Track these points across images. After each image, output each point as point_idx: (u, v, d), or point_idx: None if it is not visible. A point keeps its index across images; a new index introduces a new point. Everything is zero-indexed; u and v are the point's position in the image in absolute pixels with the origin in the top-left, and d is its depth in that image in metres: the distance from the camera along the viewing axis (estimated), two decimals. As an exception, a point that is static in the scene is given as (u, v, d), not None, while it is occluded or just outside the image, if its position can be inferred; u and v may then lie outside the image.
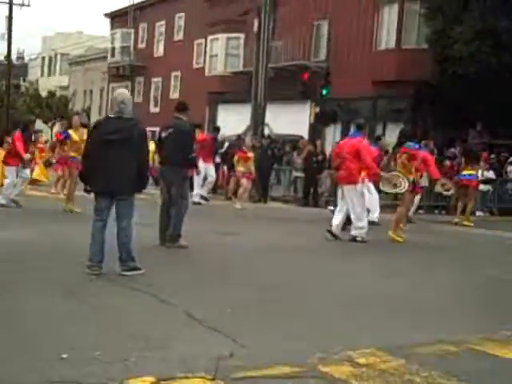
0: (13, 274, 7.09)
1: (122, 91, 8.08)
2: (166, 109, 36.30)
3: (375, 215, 13.87)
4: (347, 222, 11.82)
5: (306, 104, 26.49)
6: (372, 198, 13.66)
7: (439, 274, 8.79)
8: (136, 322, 5.61)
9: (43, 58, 59.27)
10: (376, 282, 7.94)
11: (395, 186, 12.03)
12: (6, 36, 37.54)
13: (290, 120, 26.07)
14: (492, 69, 18.67)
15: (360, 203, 11.56)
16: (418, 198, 14.88)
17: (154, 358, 4.60)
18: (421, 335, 5.48)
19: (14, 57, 52.85)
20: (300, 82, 25.39)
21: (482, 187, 18.04)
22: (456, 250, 11.69)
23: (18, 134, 14.33)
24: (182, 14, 36.54)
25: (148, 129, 8.86)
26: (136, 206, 7.62)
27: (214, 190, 20.47)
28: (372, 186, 13.52)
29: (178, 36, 36.96)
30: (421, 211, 19.30)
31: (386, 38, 24.01)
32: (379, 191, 13.54)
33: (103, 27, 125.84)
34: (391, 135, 23.71)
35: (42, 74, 59.16)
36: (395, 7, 23.55)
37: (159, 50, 38.87)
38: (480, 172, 17.39)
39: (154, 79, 38.89)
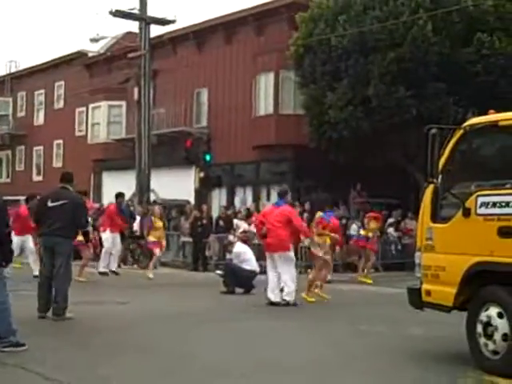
0: None
1: None
2: (50, 177, 35.82)
3: None
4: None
5: (191, 169, 26.98)
6: None
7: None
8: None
9: None
10: (261, 346, 8.29)
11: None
12: None
13: (175, 185, 26.41)
14: (365, 132, 19.85)
15: (291, 269, 12.19)
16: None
17: None
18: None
19: None
20: (183, 148, 25.90)
21: None
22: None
23: None
24: (62, 83, 36.45)
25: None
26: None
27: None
28: None
29: (59, 104, 36.74)
30: (309, 270, 20.03)
31: (265, 104, 24.99)
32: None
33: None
34: (275, 198, 24.55)
35: None
36: (271, 75, 24.62)
37: (39, 118, 38.45)
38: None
39: (36, 148, 38.32)
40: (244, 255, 14.84)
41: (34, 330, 8.60)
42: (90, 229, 12.35)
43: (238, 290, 14.34)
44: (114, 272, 17.07)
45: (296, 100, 23.51)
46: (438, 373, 6.93)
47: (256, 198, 25.19)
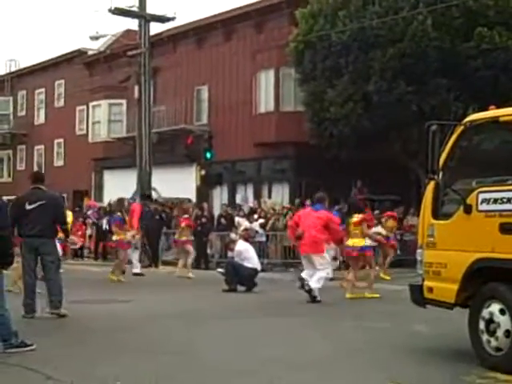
0: None
1: None
2: (51, 176, 35.84)
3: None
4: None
5: (192, 167, 26.99)
6: None
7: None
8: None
9: None
10: (263, 345, 8.29)
11: None
12: None
13: (176, 183, 26.41)
14: (365, 128, 19.82)
15: (325, 270, 12.60)
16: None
17: None
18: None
19: None
20: (184, 145, 25.89)
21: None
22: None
23: None
24: (62, 81, 36.44)
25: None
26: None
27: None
28: None
29: (59, 103, 36.74)
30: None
31: (265, 101, 24.96)
32: None
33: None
34: (276, 195, 24.60)
35: None
36: (271, 72, 24.59)
37: (40, 117, 38.45)
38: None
39: (37, 147, 38.33)
40: (246, 253, 14.83)
41: (36, 329, 8.61)
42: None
43: (240, 287, 14.33)
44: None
45: (296, 97, 23.47)
46: (440, 369, 6.92)
47: (257, 196, 25.17)
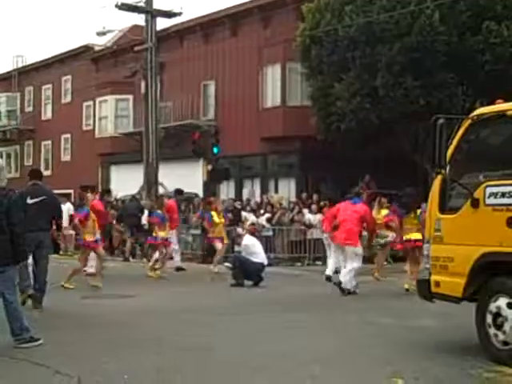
0: None
1: None
2: (58, 171, 36.02)
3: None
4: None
5: (199, 162, 26.99)
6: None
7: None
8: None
9: None
10: (274, 339, 8.30)
11: None
12: None
13: (183, 178, 26.37)
14: (372, 123, 19.78)
15: (357, 262, 12.97)
16: None
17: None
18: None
19: None
20: (191, 141, 25.88)
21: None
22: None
23: None
24: (69, 77, 36.49)
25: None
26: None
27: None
28: None
29: (66, 99, 36.82)
30: (318, 262, 20.06)
31: (272, 95, 24.93)
32: None
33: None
34: (283, 190, 24.59)
35: None
36: (277, 67, 24.56)
37: (47, 112, 38.52)
38: None
39: (44, 142, 38.43)
40: (253, 247, 14.86)
41: (43, 324, 8.63)
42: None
43: (247, 282, 14.36)
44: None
45: (303, 91, 23.43)
46: (447, 364, 6.91)
47: (264, 190, 25.17)
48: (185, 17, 26.97)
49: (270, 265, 16.04)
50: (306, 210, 20.87)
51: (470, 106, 16.52)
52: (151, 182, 24.79)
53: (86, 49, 35.07)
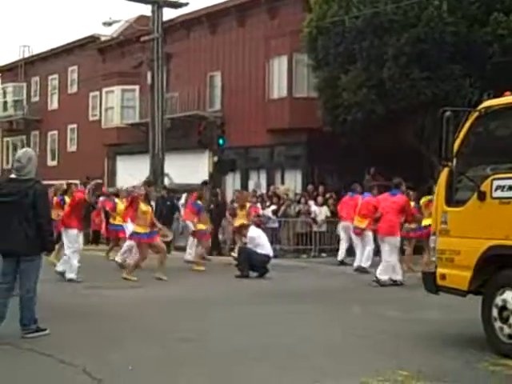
0: None
1: (24, 149, 8.36)
2: (64, 162, 36.08)
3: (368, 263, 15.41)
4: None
5: (205, 153, 26.96)
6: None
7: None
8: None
9: None
10: (279, 330, 8.29)
11: None
12: None
13: (189, 169, 26.40)
14: (379, 115, 19.70)
15: (396, 255, 13.25)
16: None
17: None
18: None
19: None
20: (197, 131, 25.85)
21: None
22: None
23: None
24: (75, 67, 36.46)
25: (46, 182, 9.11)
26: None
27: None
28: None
29: (72, 89, 36.80)
30: (324, 254, 20.06)
31: (278, 87, 24.84)
32: None
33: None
34: (289, 182, 24.55)
35: None
36: (284, 58, 24.48)
37: (53, 103, 38.52)
38: None
39: (50, 132, 38.45)
40: (258, 239, 14.87)
41: (48, 315, 8.63)
42: None
43: (252, 273, 14.36)
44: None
45: (309, 83, 23.32)
46: (452, 357, 6.90)
47: (270, 182, 25.14)
48: (191, 7, 26.95)
49: (275, 256, 16.03)
50: (311, 202, 20.85)
51: (478, 98, 16.43)
52: (157, 172, 24.79)
53: (93, 39, 35.01)
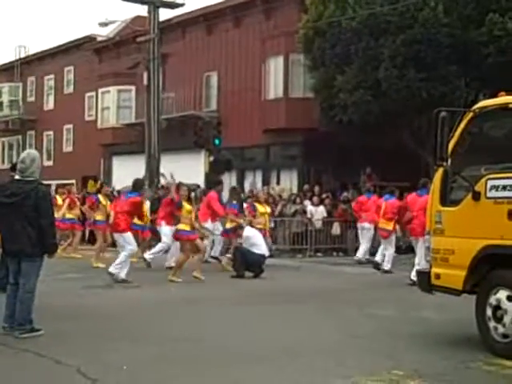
0: None
1: (28, 151, 8.41)
2: (60, 162, 36.04)
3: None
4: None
5: (201, 153, 26.97)
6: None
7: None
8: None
9: None
10: (277, 332, 8.30)
11: None
12: None
13: (185, 169, 26.31)
14: (375, 115, 19.74)
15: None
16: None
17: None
18: None
19: None
20: (193, 132, 25.85)
21: None
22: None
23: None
24: (71, 68, 36.46)
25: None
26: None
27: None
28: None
29: (68, 89, 36.79)
30: (319, 254, 20.11)
31: (274, 87, 24.88)
32: None
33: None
34: (285, 182, 24.59)
35: None
36: (280, 58, 24.51)
37: (49, 103, 38.51)
38: None
39: (46, 132, 38.41)
40: (254, 239, 14.85)
41: (45, 316, 8.62)
42: None
43: (248, 273, 14.36)
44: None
45: (306, 83, 23.38)
46: (446, 356, 6.92)
47: (266, 182, 25.17)
48: (188, 8, 27.02)
49: (271, 256, 16.04)
50: (307, 202, 20.88)
51: (473, 98, 16.48)
52: (153, 173, 24.78)
53: (89, 39, 35.00)
